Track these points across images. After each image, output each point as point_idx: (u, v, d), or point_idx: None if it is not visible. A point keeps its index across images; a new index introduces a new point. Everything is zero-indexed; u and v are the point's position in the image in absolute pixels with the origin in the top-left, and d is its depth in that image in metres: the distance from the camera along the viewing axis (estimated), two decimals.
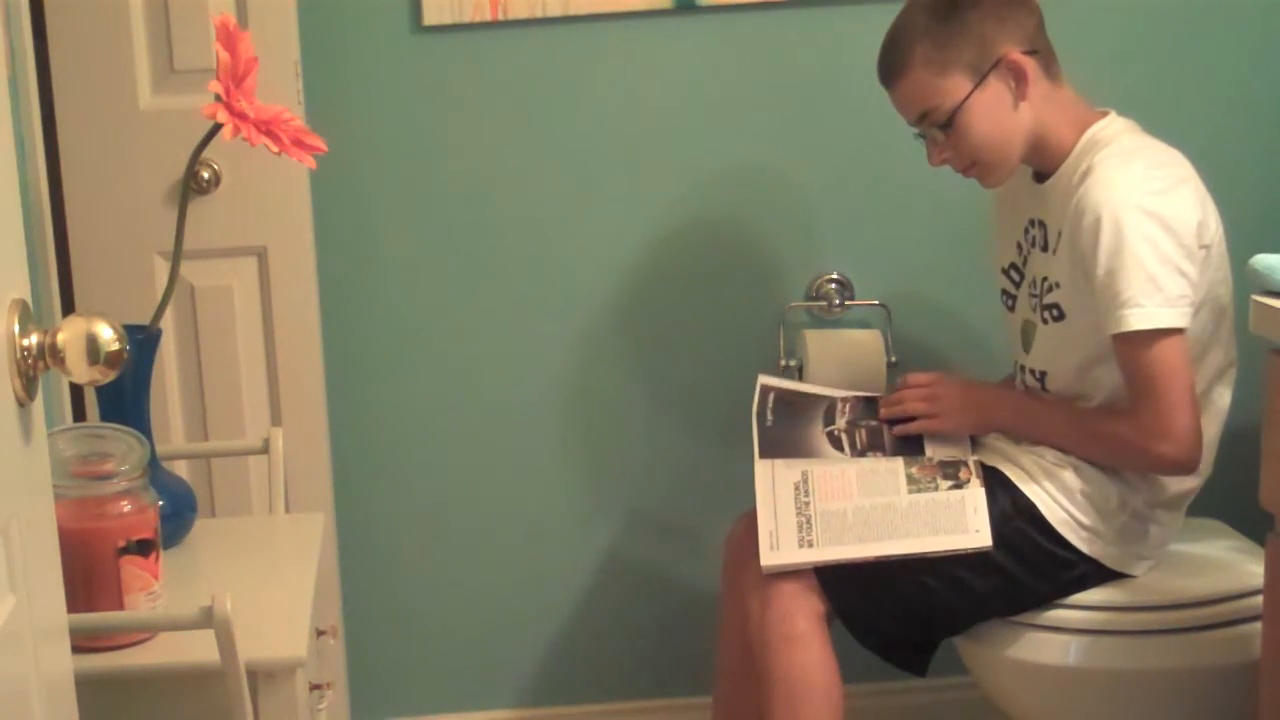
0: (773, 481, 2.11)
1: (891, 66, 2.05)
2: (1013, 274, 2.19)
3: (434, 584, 2.63)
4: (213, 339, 2.32)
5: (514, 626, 2.65)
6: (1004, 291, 2.22)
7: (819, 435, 2.19)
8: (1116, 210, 1.92)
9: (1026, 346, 2.16)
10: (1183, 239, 1.93)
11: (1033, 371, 2.12)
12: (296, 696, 1.55)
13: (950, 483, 2.07)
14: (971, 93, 2.00)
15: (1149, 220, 1.92)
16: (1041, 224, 2.09)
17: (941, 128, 2.03)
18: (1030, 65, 2.01)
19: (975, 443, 2.17)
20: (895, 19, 2.06)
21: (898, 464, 2.11)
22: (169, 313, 2.07)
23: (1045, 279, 2.08)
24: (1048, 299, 2.06)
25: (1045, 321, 2.07)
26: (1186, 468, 1.99)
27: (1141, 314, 1.92)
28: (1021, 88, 2.01)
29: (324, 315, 2.41)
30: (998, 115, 2.02)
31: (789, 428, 2.22)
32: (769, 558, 2.05)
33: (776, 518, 2.07)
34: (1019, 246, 2.16)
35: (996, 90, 2.01)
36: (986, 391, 2.22)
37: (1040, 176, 2.10)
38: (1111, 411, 2.03)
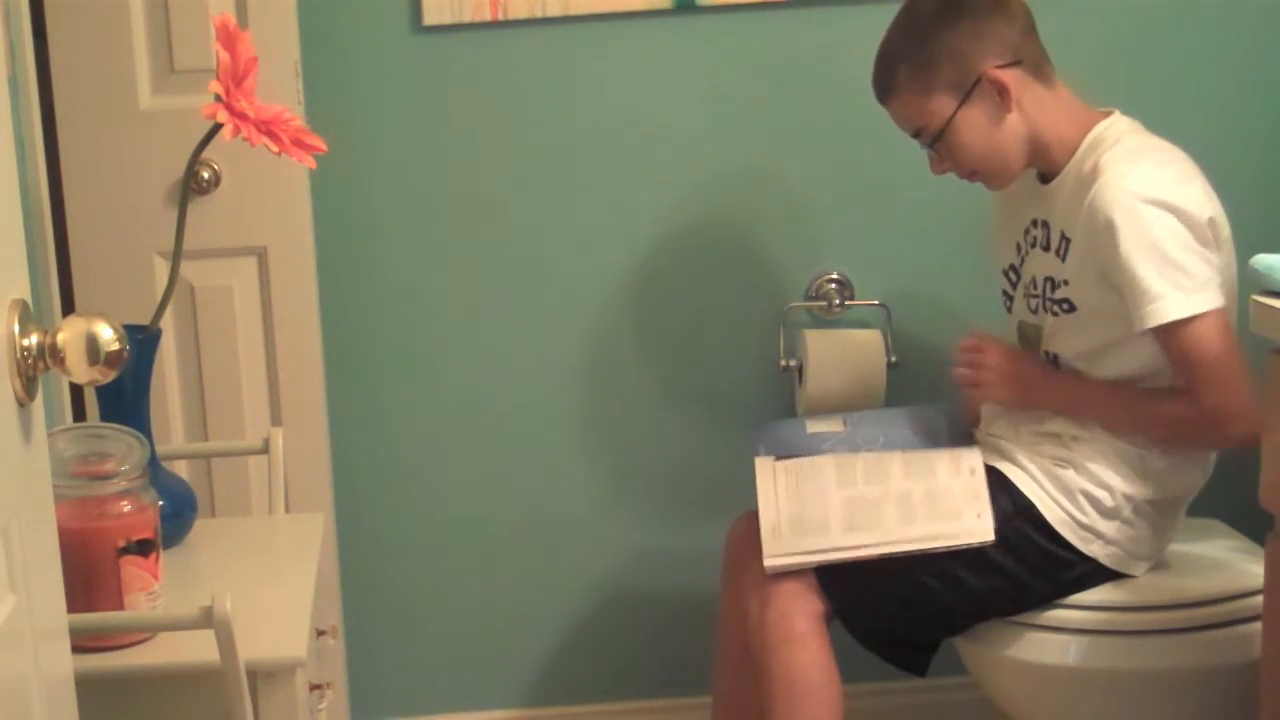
0: (774, 480, 2.11)
1: (880, 88, 2.09)
2: (1010, 275, 2.19)
3: (434, 584, 2.63)
4: (213, 339, 2.32)
5: (514, 626, 2.65)
6: (1003, 292, 2.22)
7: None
8: (1130, 208, 1.92)
9: (1026, 347, 2.16)
10: (1198, 228, 1.94)
11: (1046, 353, 2.12)
12: (296, 696, 1.55)
13: (951, 471, 2.06)
14: (956, 111, 2.02)
15: (1163, 212, 1.93)
16: (1045, 224, 2.09)
17: (934, 144, 2.05)
18: (1012, 77, 2.01)
19: (972, 438, 2.17)
20: (884, 36, 2.08)
21: (896, 455, 2.10)
22: (169, 313, 2.07)
23: (1049, 278, 2.08)
24: (1057, 294, 2.06)
25: (1055, 314, 2.07)
26: (1252, 436, 1.93)
27: (1169, 305, 1.92)
28: (1005, 101, 2.02)
29: (324, 315, 2.41)
30: (986, 129, 2.03)
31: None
32: (772, 546, 2.04)
33: (779, 509, 2.07)
34: (1018, 247, 2.16)
35: (982, 106, 2.02)
36: (1035, 370, 2.13)
37: (1045, 177, 2.10)
38: (1170, 398, 2.01)
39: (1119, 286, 1.95)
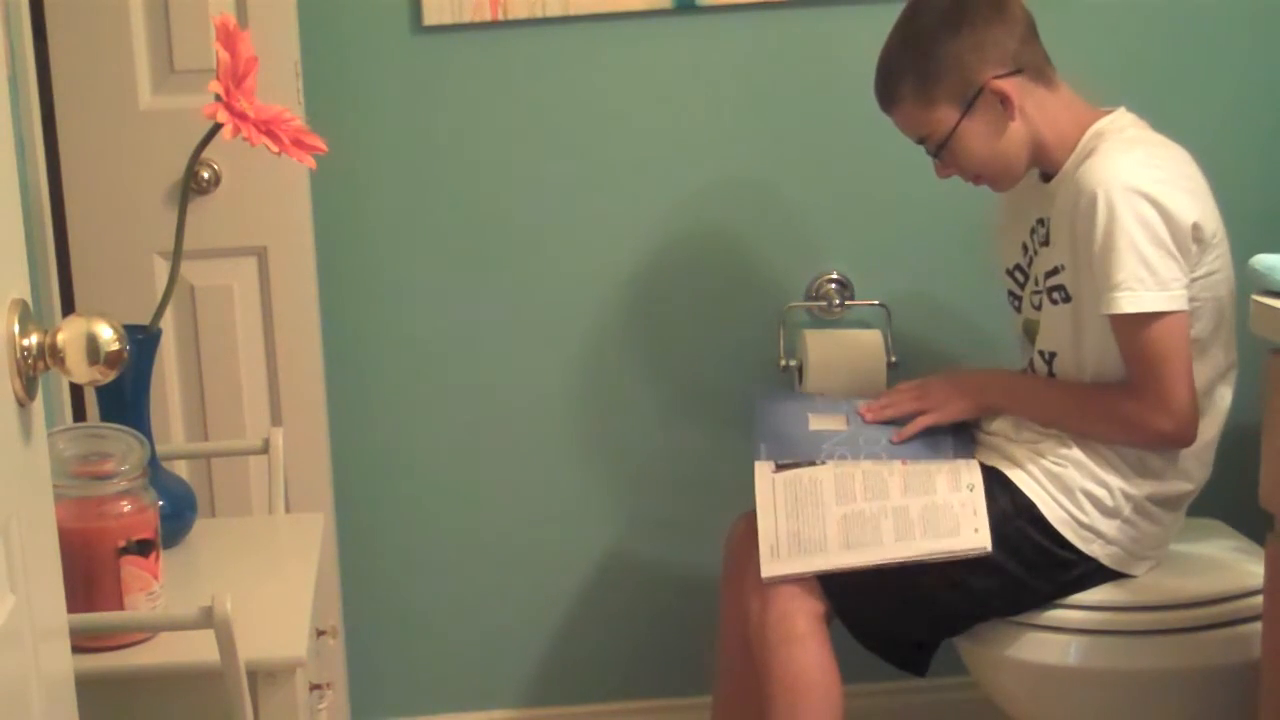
0: (773, 487, 2.11)
1: (884, 98, 2.09)
2: (1017, 275, 2.19)
3: (434, 584, 2.63)
4: (213, 339, 2.32)
5: (514, 626, 2.65)
6: (1010, 293, 2.22)
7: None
8: (1111, 190, 1.93)
9: (1033, 343, 2.16)
10: (1176, 226, 1.94)
11: (1041, 353, 2.13)
12: (296, 696, 1.55)
13: (949, 486, 2.07)
14: (960, 121, 2.03)
15: (1144, 202, 1.93)
16: (1047, 221, 2.09)
17: (939, 152, 2.06)
18: (1014, 86, 2.02)
19: (975, 443, 2.17)
20: (882, 49, 2.08)
21: (896, 467, 2.11)
22: (169, 313, 2.07)
23: (1050, 269, 2.08)
24: (1052, 281, 2.07)
25: (1054, 303, 2.08)
26: (1184, 442, 2.02)
27: (1133, 297, 1.93)
28: (1008, 110, 2.02)
29: (324, 315, 2.41)
30: (990, 137, 2.04)
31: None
32: (770, 567, 2.05)
33: (777, 525, 2.07)
34: (1025, 247, 2.16)
35: (984, 115, 2.03)
36: (975, 375, 2.25)
37: (1047, 176, 2.11)
38: (1109, 388, 2.04)
39: (1089, 265, 1.96)
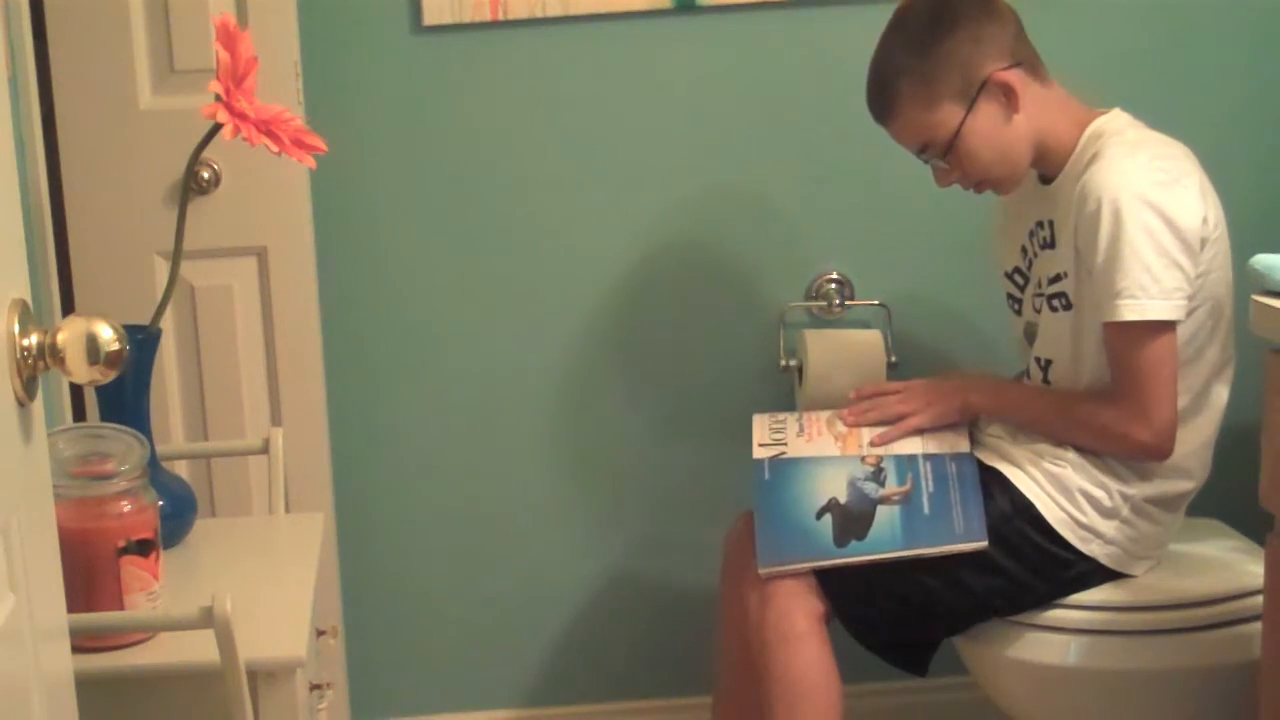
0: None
1: (881, 107, 2.07)
2: (1016, 278, 2.19)
3: (434, 584, 2.63)
4: (213, 339, 2.32)
5: (514, 626, 2.65)
6: (1009, 295, 2.22)
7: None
8: (1118, 198, 1.92)
9: (1032, 346, 2.16)
10: (1182, 233, 1.94)
11: (1038, 359, 2.13)
12: (296, 696, 1.55)
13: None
14: (964, 119, 2.01)
15: (1149, 211, 1.92)
16: (1050, 223, 2.09)
17: (945, 155, 2.05)
18: (1016, 77, 2.01)
19: (974, 442, 2.17)
20: (874, 56, 2.07)
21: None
22: (169, 313, 2.06)
23: (1054, 275, 2.08)
24: (1053, 288, 2.07)
25: (1054, 309, 2.07)
26: (1161, 455, 2.02)
27: (1135, 305, 1.93)
28: (1013, 102, 2.01)
29: (324, 315, 2.41)
30: (995, 133, 2.03)
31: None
32: (767, 569, 2.05)
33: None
34: (1024, 250, 2.16)
35: (988, 110, 2.02)
36: (958, 377, 2.24)
37: (1046, 178, 2.10)
38: (1091, 396, 2.04)
39: (1092, 272, 1.96)
